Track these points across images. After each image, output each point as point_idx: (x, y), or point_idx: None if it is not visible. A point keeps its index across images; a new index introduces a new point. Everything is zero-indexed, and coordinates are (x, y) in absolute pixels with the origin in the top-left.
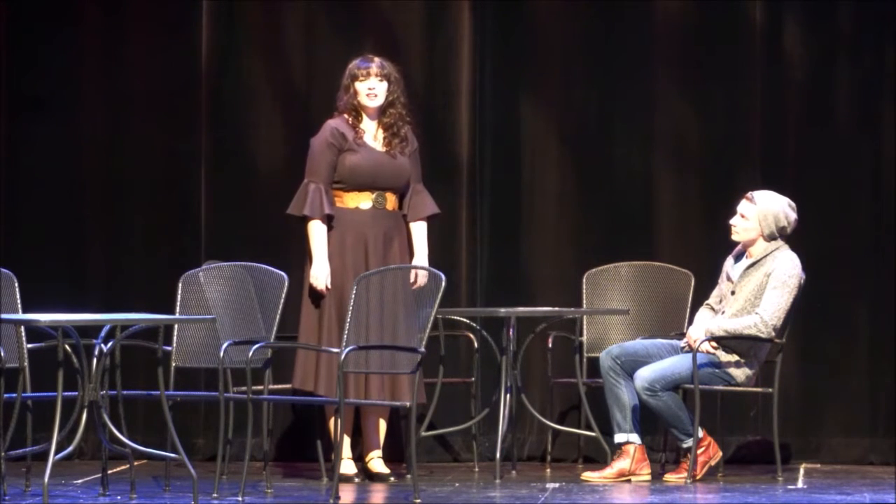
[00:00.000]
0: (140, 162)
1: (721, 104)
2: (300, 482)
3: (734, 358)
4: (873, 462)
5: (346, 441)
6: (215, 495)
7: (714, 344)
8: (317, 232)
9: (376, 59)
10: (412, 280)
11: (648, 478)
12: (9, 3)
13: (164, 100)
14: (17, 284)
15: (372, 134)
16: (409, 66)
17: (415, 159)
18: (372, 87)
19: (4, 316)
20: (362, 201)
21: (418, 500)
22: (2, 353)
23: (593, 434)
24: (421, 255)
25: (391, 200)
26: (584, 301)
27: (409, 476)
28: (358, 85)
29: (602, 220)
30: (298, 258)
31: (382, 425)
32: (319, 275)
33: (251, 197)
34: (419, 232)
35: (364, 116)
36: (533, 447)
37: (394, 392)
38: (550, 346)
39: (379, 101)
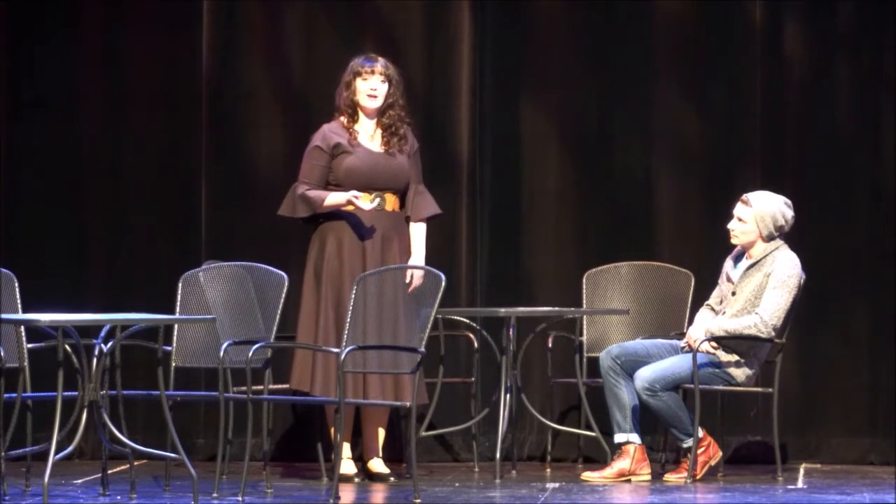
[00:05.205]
0: (140, 162)
1: (721, 104)
2: (300, 482)
3: (734, 358)
4: (873, 462)
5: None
6: (215, 495)
7: (714, 344)
8: (315, 194)
9: (380, 60)
10: (407, 280)
11: (648, 478)
12: (8, 3)
13: (164, 100)
14: (17, 284)
15: (369, 134)
16: (409, 66)
17: (415, 159)
18: (374, 89)
19: (4, 316)
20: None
21: (418, 500)
22: (2, 353)
23: (593, 434)
24: (418, 255)
25: (391, 201)
26: (584, 301)
27: (409, 476)
28: (360, 83)
29: (602, 220)
30: (298, 258)
31: (381, 434)
32: (346, 195)
33: (251, 197)
34: (418, 233)
35: (361, 116)
36: (533, 447)
37: (396, 393)
38: (550, 346)
39: (378, 102)
